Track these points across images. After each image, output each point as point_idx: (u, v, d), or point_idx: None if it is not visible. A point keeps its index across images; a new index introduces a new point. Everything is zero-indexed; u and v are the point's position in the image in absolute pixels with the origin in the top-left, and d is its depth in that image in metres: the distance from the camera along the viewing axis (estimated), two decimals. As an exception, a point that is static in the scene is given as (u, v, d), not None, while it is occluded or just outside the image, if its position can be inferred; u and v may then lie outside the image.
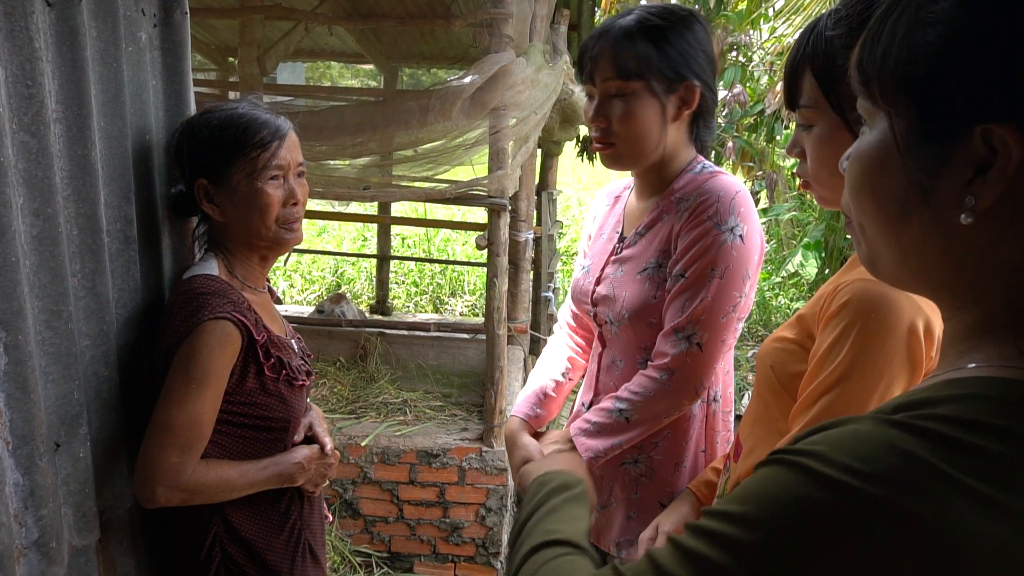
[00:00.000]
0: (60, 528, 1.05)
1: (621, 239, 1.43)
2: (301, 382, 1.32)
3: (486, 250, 2.91)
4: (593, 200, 1.61)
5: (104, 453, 1.16)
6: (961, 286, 0.54)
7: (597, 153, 1.37)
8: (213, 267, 1.25)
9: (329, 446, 1.39)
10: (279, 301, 1.52)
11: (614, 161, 1.35)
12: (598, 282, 1.41)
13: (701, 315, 1.23)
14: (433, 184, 2.99)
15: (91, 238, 1.09)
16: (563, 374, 1.55)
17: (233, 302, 1.19)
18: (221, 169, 1.21)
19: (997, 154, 0.47)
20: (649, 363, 1.30)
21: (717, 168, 1.35)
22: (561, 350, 1.58)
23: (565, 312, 1.63)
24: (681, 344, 1.25)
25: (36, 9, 0.94)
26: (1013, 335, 0.51)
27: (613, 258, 1.41)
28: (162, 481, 1.14)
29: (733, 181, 1.30)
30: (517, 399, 1.57)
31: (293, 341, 1.38)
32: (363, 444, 2.97)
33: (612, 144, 1.33)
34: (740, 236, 1.24)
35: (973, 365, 0.52)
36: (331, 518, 1.57)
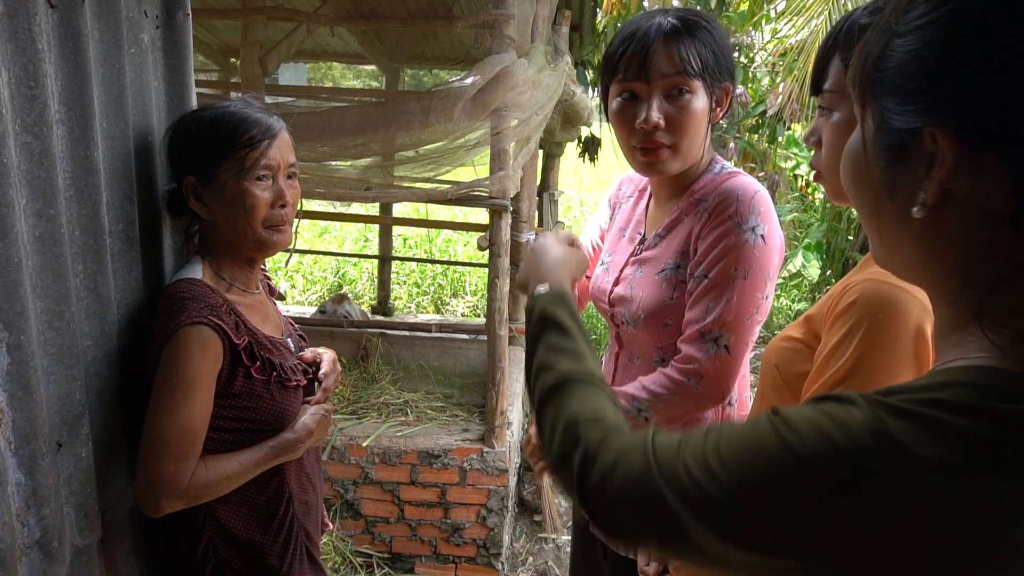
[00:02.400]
0: (62, 528, 1.05)
1: (642, 241, 1.41)
2: (295, 382, 1.31)
3: (487, 251, 2.91)
4: (615, 185, 1.56)
5: (106, 453, 1.16)
6: (934, 278, 0.58)
7: (634, 159, 1.31)
8: (197, 270, 1.24)
9: (320, 395, 1.38)
10: (281, 298, 1.51)
11: (670, 162, 1.27)
12: (617, 282, 1.40)
13: (728, 317, 1.21)
14: (435, 185, 2.99)
15: (93, 239, 1.09)
16: None
17: (211, 306, 1.17)
18: (209, 167, 1.20)
19: (937, 154, 0.52)
20: (673, 364, 1.27)
21: (735, 169, 1.33)
22: None
23: None
24: (710, 348, 1.22)
25: (39, 11, 0.94)
26: (981, 327, 0.54)
27: (633, 259, 1.40)
28: (163, 492, 1.13)
29: (751, 181, 1.28)
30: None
31: (290, 340, 1.37)
32: (364, 445, 2.97)
33: (668, 146, 1.26)
34: (762, 236, 1.22)
35: (962, 361, 0.55)
36: (331, 526, 1.56)
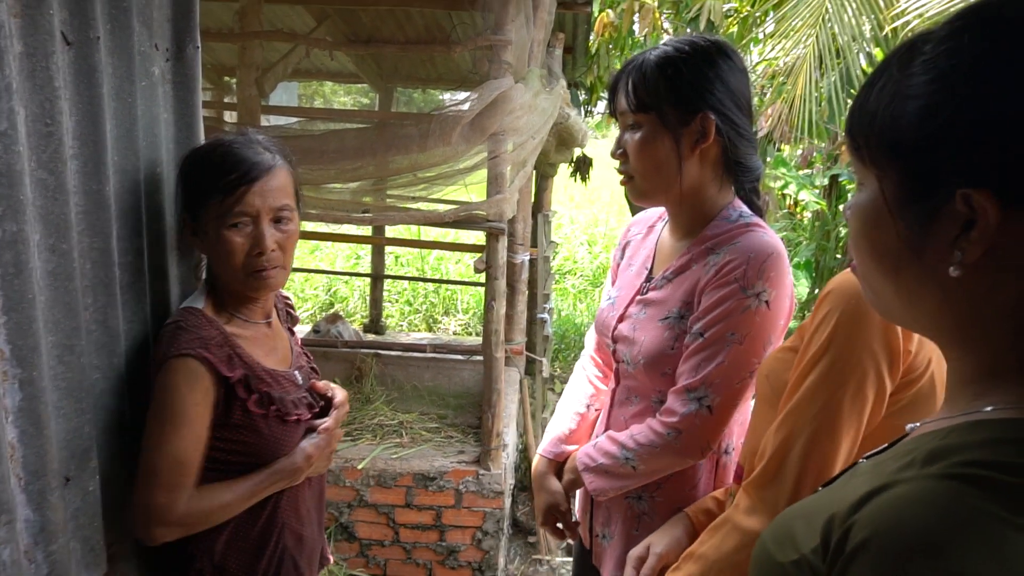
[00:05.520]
0: (69, 563, 1.04)
1: (649, 277, 1.39)
2: (295, 417, 1.27)
3: (483, 272, 2.92)
4: (625, 227, 1.58)
5: (112, 486, 1.15)
6: (962, 331, 0.58)
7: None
8: (200, 300, 1.24)
9: (329, 423, 1.34)
10: (295, 321, 1.50)
11: (636, 195, 1.33)
12: (621, 319, 1.39)
13: (715, 379, 1.20)
14: (432, 207, 3.00)
15: (103, 272, 1.10)
16: (586, 405, 1.55)
17: (202, 338, 1.16)
18: (196, 208, 1.20)
19: (978, 215, 0.51)
20: (658, 415, 1.28)
21: (755, 220, 1.29)
22: (582, 381, 1.58)
23: (590, 339, 1.62)
24: (691, 405, 1.22)
25: (56, 48, 0.95)
26: (1021, 377, 0.54)
27: (639, 297, 1.38)
28: (156, 522, 1.13)
29: (767, 241, 1.22)
30: (544, 434, 1.57)
31: (297, 373, 1.35)
32: (359, 467, 2.96)
33: (632, 178, 1.31)
34: (766, 302, 1.19)
35: (990, 408, 0.55)
36: (331, 560, 1.55)
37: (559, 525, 1.48)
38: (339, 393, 1.41)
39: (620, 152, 1.31)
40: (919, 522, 0.48)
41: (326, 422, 1.35)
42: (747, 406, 1.34)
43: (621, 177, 1.34)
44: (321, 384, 1.39)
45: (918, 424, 0.67)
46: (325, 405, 1.39)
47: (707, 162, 1.28)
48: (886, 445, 0.69)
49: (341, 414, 1.39)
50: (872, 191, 0.59)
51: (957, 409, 0.59)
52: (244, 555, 1.26)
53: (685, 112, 1.24)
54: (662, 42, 1.30)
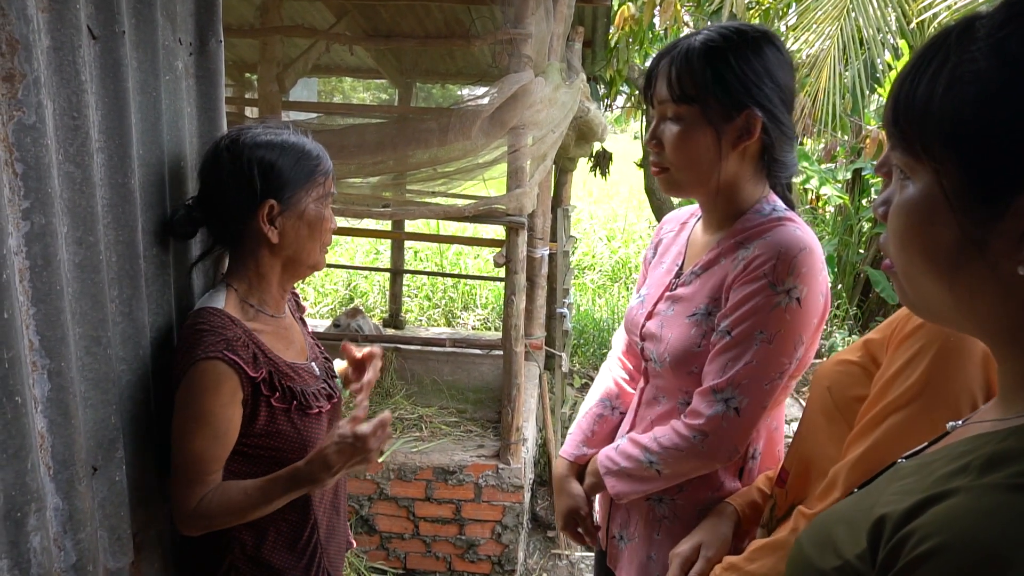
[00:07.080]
0: (96, 551, 1.06)
1: (679, 274, 1.35)
2: (317, 409, 1.29)
3: (503, 267, 2.92)
4: (659, 225, 1.54)
5: (138, 476, 1.17)
6: (1017, 330, 0.55)
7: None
8: (220, 298, 1.24)
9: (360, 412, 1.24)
10: (302, 310, 1.51)
11: (669, 187, 1.28)
12: (649, 316, 1.35)
13: (742, 379, 1.15)
14: (452, 201, 3.01)
15: (129, 264, 1.11)
16: (611, 407, 1.52)
17: (227, 339, 1.17)
18: (295, 193, 1.23)
19: None
20: (683, 417, 1.24)
21: (787, 213, 1.23)
22: (607, 382, 1.55)
23: (619, 338, 1.59)
24: (717, 406, 1.17)
25: (83, 43, 0.96)
26: None
27: (668, 293, 1.33)
28: (176, 515, 1.19)
29: (799, 236, 1.16)
30: (567, 436, 1.55)
31: (315, 364, 1.36)
32: (380, 460, 2.97)
33: (666, 169, 1.25)
34: (797, 299, 1.14)
35: None
36: (355, 544, 1.56)
37: (579, 530, 1.46)
38: (376, 351, 1.42)
39: (655, 142, 1.25)
40: (988, 536, 0.47)
41: (359, 398, 1.34)
42: (779, 411, 1.29)
43: (655, 168, 1.28)
44: (351, 347, 1.40)
45: (960, 423, 0.65)
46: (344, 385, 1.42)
47: (746, 158, 1.22)
48: (925, 444, 0.67)
49: (372, 375, 1.40)
50: (926, 185, 0.56)
51: (1011, 410, 0.57)
52: (277, 547, 1.29)
53: (730, 107, 1.17)
54: (706, 27, 1.22)
